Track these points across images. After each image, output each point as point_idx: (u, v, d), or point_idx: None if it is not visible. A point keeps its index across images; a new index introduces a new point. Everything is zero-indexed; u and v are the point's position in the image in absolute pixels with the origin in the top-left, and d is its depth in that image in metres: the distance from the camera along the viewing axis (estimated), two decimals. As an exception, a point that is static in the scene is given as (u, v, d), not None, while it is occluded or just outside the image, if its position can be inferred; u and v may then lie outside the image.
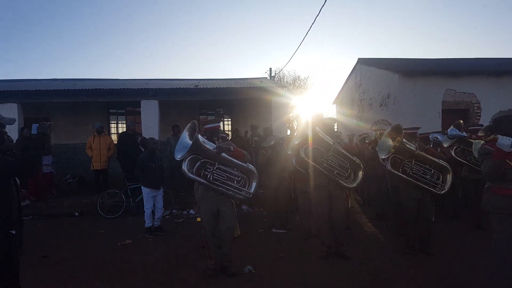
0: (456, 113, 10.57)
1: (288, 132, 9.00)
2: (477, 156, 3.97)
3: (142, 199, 7.42)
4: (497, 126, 3.34)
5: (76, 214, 8.06)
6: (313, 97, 28.36)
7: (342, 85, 16.64)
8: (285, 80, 27.09)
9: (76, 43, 69.29)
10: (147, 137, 8.50)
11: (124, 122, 11.71)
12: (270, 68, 20.91)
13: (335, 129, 12.37)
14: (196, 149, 3.76)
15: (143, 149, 8.02)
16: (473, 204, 5.88)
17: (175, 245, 5.47)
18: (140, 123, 9.85)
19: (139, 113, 10.30)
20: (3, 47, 64.05)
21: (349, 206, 5.40)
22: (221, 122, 11.66)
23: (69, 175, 10.14)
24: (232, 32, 61.71)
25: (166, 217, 7.26)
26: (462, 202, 6.79)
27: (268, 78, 18.30)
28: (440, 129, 9.87)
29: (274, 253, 4.90)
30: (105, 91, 9.43)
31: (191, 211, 7.88)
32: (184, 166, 3.77)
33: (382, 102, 11.91)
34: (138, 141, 8.36)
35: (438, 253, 4.64)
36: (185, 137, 3.74)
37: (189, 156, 3.80)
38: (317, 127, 4.47)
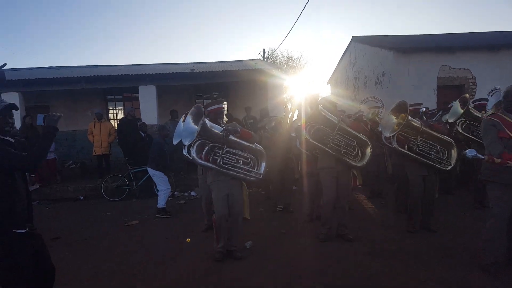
0: (451, 89, 10.71)
1: (283, 113, 9.10)
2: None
3: (144, 183, 7.70)
4: (505, 98, 3.47)
5: (81, 198, 8.28)
6: (307, 76, 28.33)
7: (336, 65, 16.63)
8: (278, 60, 27.00)
9: (69, 30, 67.92)
10: (146, 122, 8.66)
11: (122, 108, 11.79)
12: (264, 49, 20.85)
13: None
14: (204, 133, 3.68)
15: (142, 134, 8.19)
16: (473, 181, 5.90)
17: (181, 226, 5.66)
18: (138, 108, 9.95)
19: (136, 98, 10.39)
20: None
21: (358, 185, 5.28)
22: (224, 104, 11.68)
23: (71, 161, 10.29)
24: (225, 13, 60.66)
25: (169, 199, 7.47)
26: (458, 178, 6.92)
27: (262, 59, 18.26)
28: (435, 106, 10.03)
29: (275, 230, 5.11)
30: (104, 77, 9.49)
31: (192, 193, 8.09)
32: (193, 153, 3.69)
33: (377, 80, 11.99)
34: (138, 126, 8.48)
35: (437, 229, 4.74)
36: (190, 122, 3.62)
37: (196, 141, 3.71)
38: (320, 106, 4.36)
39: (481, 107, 6.28)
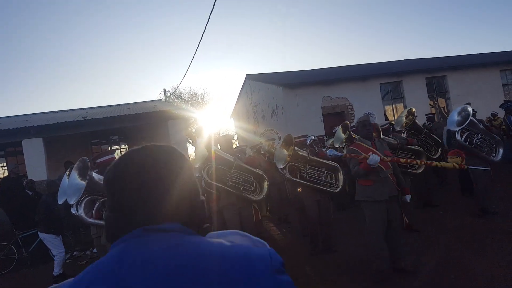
0: (334, 116, 12.20)
1: (192, 148, 9.17)
2: None
3: (37, 248, 6.85)
4: (356, 130, 4.16)
5: None
6: (212, 112, 28.97)
7: (236, 100, 17.56)
8: (182, 98, 27.16)
9: None
10: (34, 179, 7.86)
11: (5, 164, 10.49)
12: (164, 89, 20.86)
13: (236, 144, 13.05)
14: (92, 188, 3.36)
15: (30, 193, 7.39)
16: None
17: None
18: (23, 163, 8.98)
19: (21, 152, 9.39)
20: None
21: (260, 218, 5.43)
22: (115, 153, 11.25)
23: None
24: (121, 57, 59.19)
25: (68, 261, 6.77)
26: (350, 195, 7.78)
27: (163, 99, 18.29)
28: (323, 132, 11.28)
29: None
30: (-23, 134, 8.40)
31: (94, 250, 7.46)
32: (80, 211, 3.44)
33: (273, 113, 13.02)
34: (24, 185, 7.63)
35: (337, 248, 4.99)
36: (75, 178, 3.34)
37: (84, 198, 3.47)
38: (214, 147, 4.55)
39: None
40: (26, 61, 59.24)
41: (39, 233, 5.82)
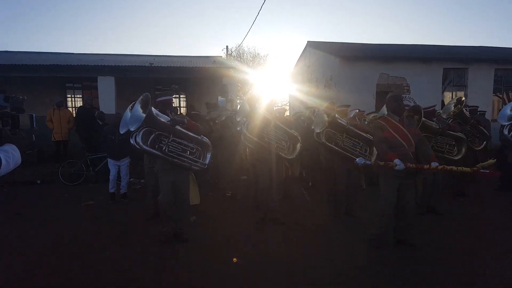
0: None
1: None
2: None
3: (101, 168, 8.12)
4: (387, 104, 4.18)
5: (38, 182, 8.48)
6: (270, 73, 29.13)
7: (295, 64, 17.69)
8: (244, 56, 27.71)
9: (26, 14, 64.25)
10: (104, 112, 9.08)
11: (81, 96, 12.04)
12: (227, 46, 21.56)
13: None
14: (150, 121, 3.78)
15: (100, 123, 8.59)
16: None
17: (132, 209, 6.07)
18: (97, 97, 10.30)
19: (95, 87, 10.73)
20: None
21: (290, 174, 5.86)
22: (174, 96, 12.17)
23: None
24: (191, 8, 60.48)
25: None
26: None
27: (224, 56, 18.97)
28: (374, 109, 11.22)
29: (219, 209, 5.84)
30: (63, 67, 9.77)
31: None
32: (138, 139, 3.81)
33: (326, 83, 13.11)
34: (95, 115, 8.87)
35: (359, 215, 5.33)
36: (138, 110, 3.70)
37: (142, 128, 3.81)
38: (256, 104, 4.93)
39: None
40: (101, 3, 63.03)
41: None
